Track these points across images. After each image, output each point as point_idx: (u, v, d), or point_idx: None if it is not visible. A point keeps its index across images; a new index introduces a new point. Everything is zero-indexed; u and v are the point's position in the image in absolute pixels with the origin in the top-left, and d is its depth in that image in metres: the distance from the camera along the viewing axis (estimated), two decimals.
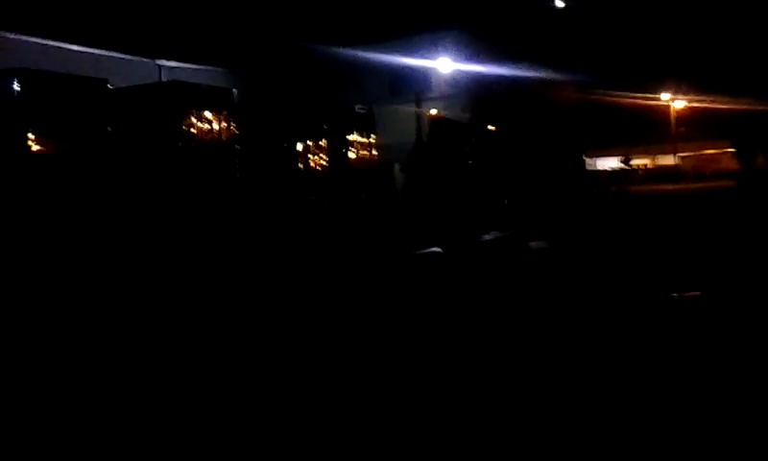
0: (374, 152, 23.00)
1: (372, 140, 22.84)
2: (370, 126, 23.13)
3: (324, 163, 20.34)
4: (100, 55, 22.21)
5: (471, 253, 13.04)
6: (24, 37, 19.99)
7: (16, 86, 12.09)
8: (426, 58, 28.52)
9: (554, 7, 31.37)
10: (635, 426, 4.61)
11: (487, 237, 14.45)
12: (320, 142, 20.25)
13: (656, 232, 14.93)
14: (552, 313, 7.95)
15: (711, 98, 39.61)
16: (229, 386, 5.75)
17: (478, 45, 29.52)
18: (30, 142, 12.05)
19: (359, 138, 22.23)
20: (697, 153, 45.36)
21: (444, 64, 28.80)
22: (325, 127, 20.61)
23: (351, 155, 21.80)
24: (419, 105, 27.05)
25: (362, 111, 23.59)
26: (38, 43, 20.33)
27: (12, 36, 19.69)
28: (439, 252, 12.71)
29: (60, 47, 20.92)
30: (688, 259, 11.09)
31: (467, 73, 29.30)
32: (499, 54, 29.07)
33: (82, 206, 12.43)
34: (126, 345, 7.06)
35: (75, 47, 21.51)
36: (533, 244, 13.63)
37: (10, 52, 18.82)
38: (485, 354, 6.44)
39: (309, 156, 19.84)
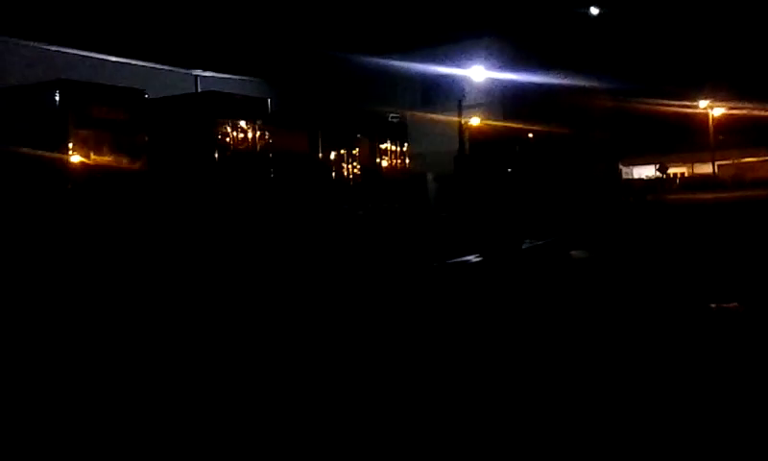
0: (407, 160, 23.00)
1: (404, 149, 22.83)
2: (402, 134, 23.15)
3: (358, 172, 20.39)
4: (138, 65, 22.60)
5: (512, 260, 12.96)
6: (65, 49, 20.46)
7: (57, 97, 12.37)
8: (460, 66, 28.46)
9: (589, 14, 31.14)
10: (671, 433, 4.54)
11: (527, 245, 14.36)
12: (353, 151, 20.31)
13: (693, 242, 14.68)
14: (594, 323, 7.86)
15: (750, 105, 38.90)
16: (268, 390, 5.78)
17: (513, 53, 29.40)
18: (70, 151, 12.30)
19: (392, 147, 22.24)
20: (736, 161, 44.56)
21: (478, 73, 28.69)
22: (358, 135, 20.66)
23: (384, 163, 21.82)
24: (453, 113, 26.98)
25: (395, 120, 23.62)
26: (78, 55, 20.78)
27: (54, 48, 20.17)
28: (477, 260, 12.65)
29: (98, 58, 21.35)
30: (727, 270, 10.89)
31: (501, 81, 29.16)
32: (534, 62, 28.92)
33: (120, 214, 12.64)
34: (169, 349, 7.15)
35: (113, 58, 21.93)
36: (573, 253, 13.49)
37: (51, 63, 19.30)
38: (525, 362, 6.39)
39: (342, 164, 19.90)
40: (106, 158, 12.85)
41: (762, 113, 36.94)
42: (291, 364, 6.64)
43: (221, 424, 5.14)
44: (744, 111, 40.34)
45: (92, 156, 12.72)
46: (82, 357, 7.03)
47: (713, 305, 8.48)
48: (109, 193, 12.82)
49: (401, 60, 29.16)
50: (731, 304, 8.50)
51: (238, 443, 4.81)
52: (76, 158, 12.39)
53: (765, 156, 40.91)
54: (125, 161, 13.21)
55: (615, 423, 4.89)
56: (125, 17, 23.69)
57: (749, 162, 44.04)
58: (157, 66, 23.42)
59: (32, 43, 19.44)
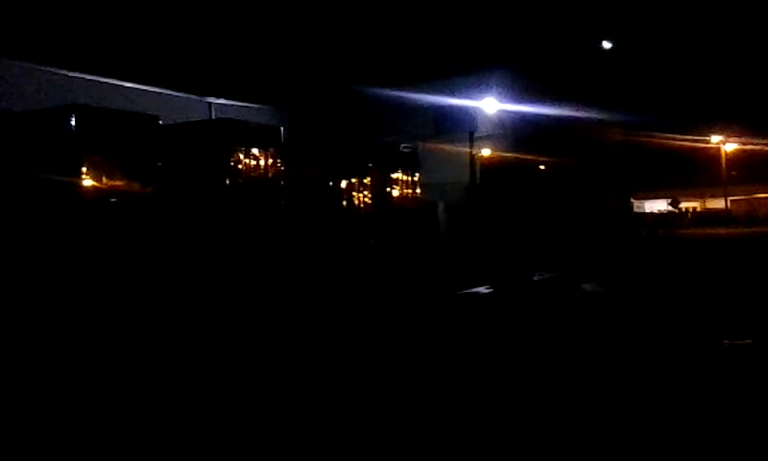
0: (418, 190, 23.04)
1: (415, 179, 22.89)
2: (414, 164, 23.22)
3: (368, 201, 20.44)
4: (152, 92, 22.83)
5: (522, 292, 12.86)
6: (81, 75, 20.71)
7: (73, 122, 12.50)
8: (472, 97, 28.58)
9: (601, 47, 31.28)
10: None
11: (537, 277, 14.27)
12: (364, 180, 20.37)
13: (705, 277, 14.55)
14: (604, 358, 7.77)
15: (763, 141, 38.82)
16: (273, 415, 5.73)
17: (525, 85, 29.53)
18: (84, 175, 12.39)
19: (403, 177, 22.31)
20: (749, 196, 44.35)
21: (490, 104, 28.79)
22: (370, 165, 20.74)
23: (395, 193, 21.87)
24: (464, 144, 27.06)
25: (406, 150, 23.71)
26: (94, 80, 21.02)
27: (71, 73, 20.42)
28: (488, 291, 12.57)
29: (113, 84, 21.59)
30: (739, 306, 10.76)
31: (513, 113, 29.25)
32: (546, 94, 29.03)
33: (131, 238, 12.69)
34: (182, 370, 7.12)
35: (128, 84, 22.17)
36: (584, 286, 13.38)
37: (68, 89, 19.53)
38: (533, 395, 6.31)
39: (353, 193, 19.97)
40: (119, 183, 12.95)
41: None
42: (295, 386, 6.58)
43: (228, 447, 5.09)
44: (757, 147, 40.25)
45: (106, 180, 12.82)
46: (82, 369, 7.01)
47: (726, 342, 8.37)
48: (122, 217, 12.89)
49: (414, 90, 29.34)
50: (744, 342, 8.38)
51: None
52: (89, 183, 12.48)
53: None
54: (137, 186, 13.30)
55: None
56: (141, 43, 24.01)
57: (761, 198, 43.83)
58: (172, 93, 23.65)
59: (47, 68, 19.70)
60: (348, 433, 5.48)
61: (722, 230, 30.26)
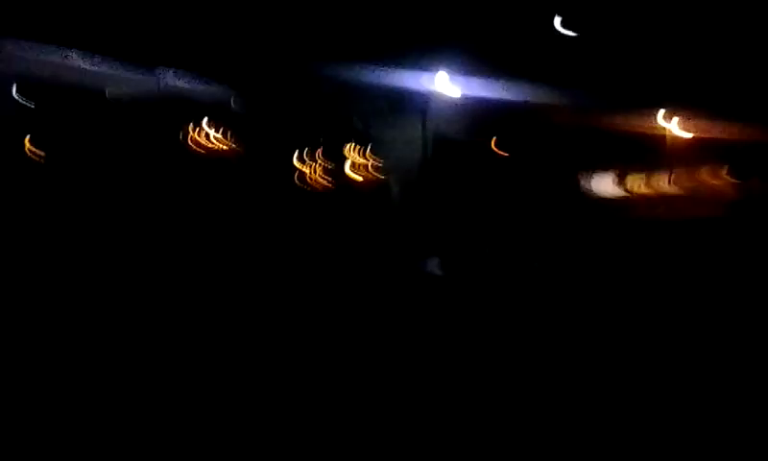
0: (371, 168, 23.00)
1: (368, 156, 22.85)
2: (367, 142, 23.16)
3: (322, 178, 20.37)
4: (98, 64, 22.14)
5: (474, 271, 13.03)
6: (23, 45, 19.94)
7: (15, 96, 12.10)
8: (426, 76, 28.50)
9: (554, 28, 31.48)
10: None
11: (489, 256, 14.45)
12: (316, 157, 20.29)
13: (652, 258, 14.92)
14: (553, 337, 7.94)
15: (710, 123, 39.83)
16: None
17: (479, 65, 29.57)
18: (27, 152, 12.02)
19: (357, 155, 22.25)
20: (693, 178, 45.53)
21: (444, 83, 28.75)
22: (322, 141, 20.66)
23: (348, 170, 21.82)
24: (418, 123, 26.99)
25: (359, 128, 23.61)
26: (37, 51, 20.28)
27: (10, 44, 19.64)
28: (437, 268, 12.70)
29: (58, 55, 20.86)
30: (683, 287, 11.09)
31: (467, 92, 29.29)
32: (500, 74, 29.11)
33: (77, 218, 12.37)
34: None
35: (73, 55, 21.45)
36: (536, 265, 13.62)
37: (7, 61, 18.80)
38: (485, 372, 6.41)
39: (306, 170, 19.87)
40: (63, 161, 12.59)
41: (720, 132, 37.91)
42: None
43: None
44: (703, 129, 41.29)
45: (49, 158, 12.46)
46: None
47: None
48: (66, 196, 12.54)
49: (367, 67, 29.11)
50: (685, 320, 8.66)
51: None
52: (32, 160, 12.11)
53: (722, 173, 42.00)
54: (83, 164, 12.95)
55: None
56: (85, 11, 23.23)
57: (705, 180, 45.07)
58: (119, 65, 22.96)
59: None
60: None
61: (666, 211, 30.97)
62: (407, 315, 9.20)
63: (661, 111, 39.58)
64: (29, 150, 11.81)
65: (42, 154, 12.13)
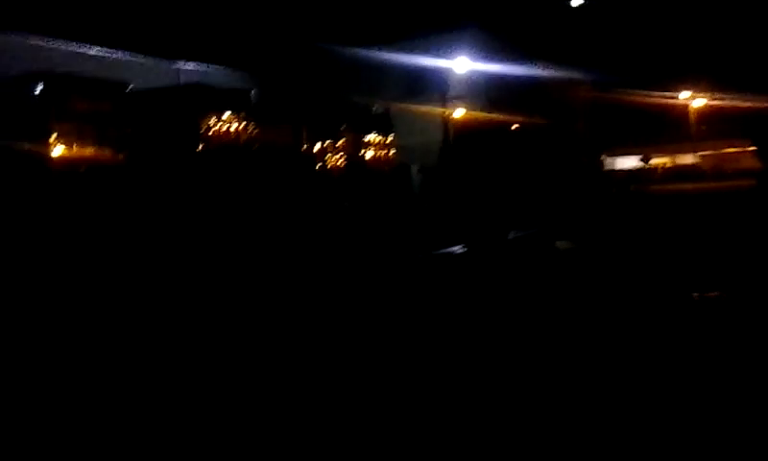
0: (392, 152, 23.07)
1: (389, 140, 22.91)
2: (387, 126, 23.21)
3: (342, 163, 20.45)
4: (120, 57, 22.36)
5: (497, 251, 13.02)
6: (47, 42, 20.20)
7: (40, 89, 12.28)
8: (444, 57, 28.43)
9: (570, 5, 31.18)
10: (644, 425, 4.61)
11: (512, 236, 14.43)
12: (337, 143, 20.36)
13: (675, 232, 14.82)
14: (579, 313, 7.95)
15: (731, 96, 39.21)
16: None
17: (496, 44, 29.45)
18: (52, 144, 12.22)
19: (376, 138, 22.31)
20: (717, 151, 44.88)
21: (463, 64, 28.67)
22: (343, 127, 20.72)
23: (369, 155, 21.89)
24: (438, 105, 27.02)
25: (379, 112, 23.66)
26: (61, 47, 20.53)
27: (36, 40, 19.90)
28: (462, 250, 12.70)
29: (81, 51, 21.11)
30: (708, 259, 11.01)
31: (485, 73, 29.18)
32: (518, 53, 28.98)
33: (101, 208, 12.56)
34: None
35: (96, 50, 21.68)
36: (559, 243, 13.57)
37: (33, 56, 19.05)
38: (510, 354, 6.45)
39: (327, 156, 19.96)
40: (87, 151, 12.78)
41: (743, 104, 37.27)
42: (257, 352, 6.66)
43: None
44: (725, 103, 40.64)
45: (74, 148, 12.65)
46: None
47: (695, 294, 8.60)
48: (90, 186, 12.74)
49: (386, 50, 29.09)
50: (712, 294, 8.62)
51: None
52: (57, 151, 12.31)
53: (745, 146, 41.29)
54: (107, 154, 13.15)
55: (596, 412, 4.96)
56: (106, 7, 23.43)
57: (729, 153, 44.37)
58: (140, 58, 23.18)
59: (14, 35, 19.17)
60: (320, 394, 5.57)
61: (690, 186, 30.69)
62: (428, 298, 9.26)
63: (684, 84, 38.93)
64: (53, 143, 11.99)
65: (72, 146, 12.32)
